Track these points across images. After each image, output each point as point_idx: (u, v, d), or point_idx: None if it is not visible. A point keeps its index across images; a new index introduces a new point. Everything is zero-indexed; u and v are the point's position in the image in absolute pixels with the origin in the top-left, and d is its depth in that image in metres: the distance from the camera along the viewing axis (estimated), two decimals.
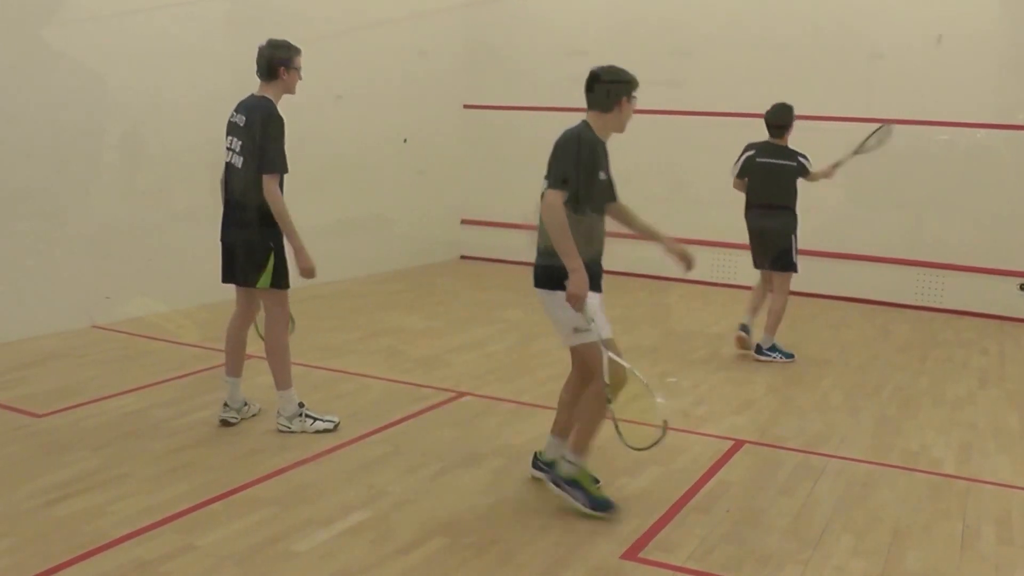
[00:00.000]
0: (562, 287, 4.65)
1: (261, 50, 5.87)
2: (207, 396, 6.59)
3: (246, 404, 6.19)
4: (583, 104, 4.94)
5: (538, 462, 5.26)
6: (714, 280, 11.14)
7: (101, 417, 6.13)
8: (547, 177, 4.73)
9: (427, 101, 12.15)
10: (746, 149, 8.17)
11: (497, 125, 12.67)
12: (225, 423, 6.02)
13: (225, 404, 6.10)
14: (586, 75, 4.96)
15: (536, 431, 6.06)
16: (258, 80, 5.98)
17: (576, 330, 4.76)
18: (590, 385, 4.85)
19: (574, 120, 4.93)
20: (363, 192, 11.28)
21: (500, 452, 5.70)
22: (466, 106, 12.78)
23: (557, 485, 4.94)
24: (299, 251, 5.76)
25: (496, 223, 12.60)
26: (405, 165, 11.82)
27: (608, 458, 5.46)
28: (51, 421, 6.05)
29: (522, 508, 4.92)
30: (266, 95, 5.85)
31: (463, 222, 13.01)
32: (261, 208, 5.74)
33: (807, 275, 10.86)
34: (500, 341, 8.35)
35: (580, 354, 4.89)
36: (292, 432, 5.88)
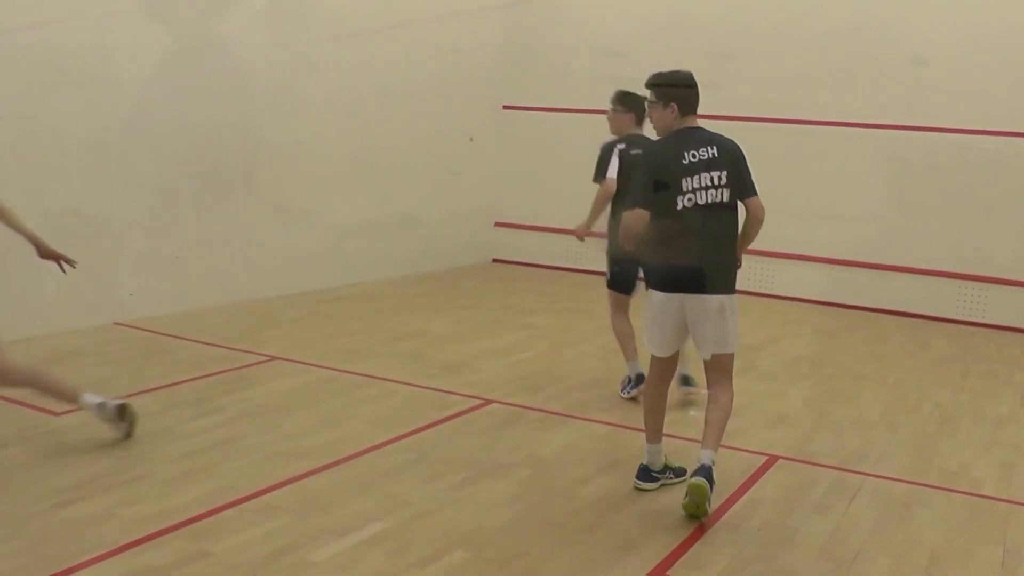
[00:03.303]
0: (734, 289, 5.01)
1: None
2: (225, 398, 6.49)
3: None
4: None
5: (652, 473, 5.25)
6: (750, 289, 10.94)
7: None
8: (747, 188, 5.00)
9: (464, 101, 12.02)
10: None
11: (534, 126, 12.53)
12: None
13: None
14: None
15: (564, 441, 5.93)
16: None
17: (737, 336, 5.04)
18: (726, 388, 5.07)
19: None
20: (394, 192, 11.17)
21: (526, 463, 5.55)
22: (506, 107, 12.65)
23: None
24: None
25: (530, 226, 12.46)
26: (438, 165, 11.70)
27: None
28: (67, 420, 5.96)
29: (547, 521, 4.78)
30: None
31: (496, 224, 12.86)
32: None
33: (843, 286, 10.72)
34: (529, 348, 8.21)
35: (731, 360, 5.08)
36: None
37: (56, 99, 7.73)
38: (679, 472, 5.27)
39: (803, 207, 10.59)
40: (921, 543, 4.73)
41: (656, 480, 5.22)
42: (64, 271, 5.44)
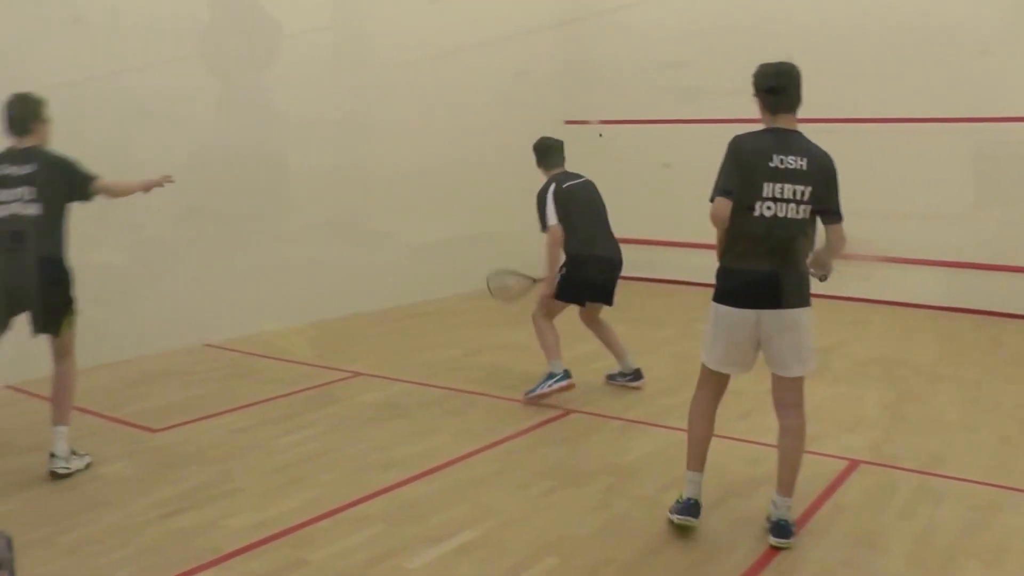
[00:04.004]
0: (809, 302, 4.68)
1: None
2: (314, 413, 6.62)
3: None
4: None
5: (692, 506, 4.77)
6: (813, 291, 10.79)
7: (212, 433, 6.19)
8: (832, 211, 4.63)
9: (528, 117, 12.09)
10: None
11: (598, 140, 12.54)
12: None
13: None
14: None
15: (645, 449, 5.95)
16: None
17: (813, 353, 4.71)
18: (798, 417, 4.72)
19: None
20: (466, 209, 11.27)
21: (609, 470, 5.58)
22: (568, 122, 12.69)
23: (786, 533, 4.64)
24: None
25: None
26: (506, 182, 11.76)
27: (720, 479, 5.31)
28: (165, 437, 6.13)
29: (633, 528, 4.81)
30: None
31: None
32: None
33: (913, 285, 10.55)
34: (605, 357, 8.21)
35: (801, 383, 4.72)
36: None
37: (138, 137, 7.92)
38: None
39: (867, 206, 10.39)
40: (1012, 549, 4.65)
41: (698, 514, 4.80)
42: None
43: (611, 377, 7.49)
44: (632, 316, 10.18)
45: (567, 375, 6.93)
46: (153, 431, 6.23)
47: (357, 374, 7.64)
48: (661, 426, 6.41)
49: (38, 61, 7.19)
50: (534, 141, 7.39)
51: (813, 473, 5.52)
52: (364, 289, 10.05)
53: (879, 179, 10.59)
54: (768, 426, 6.24)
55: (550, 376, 6.93)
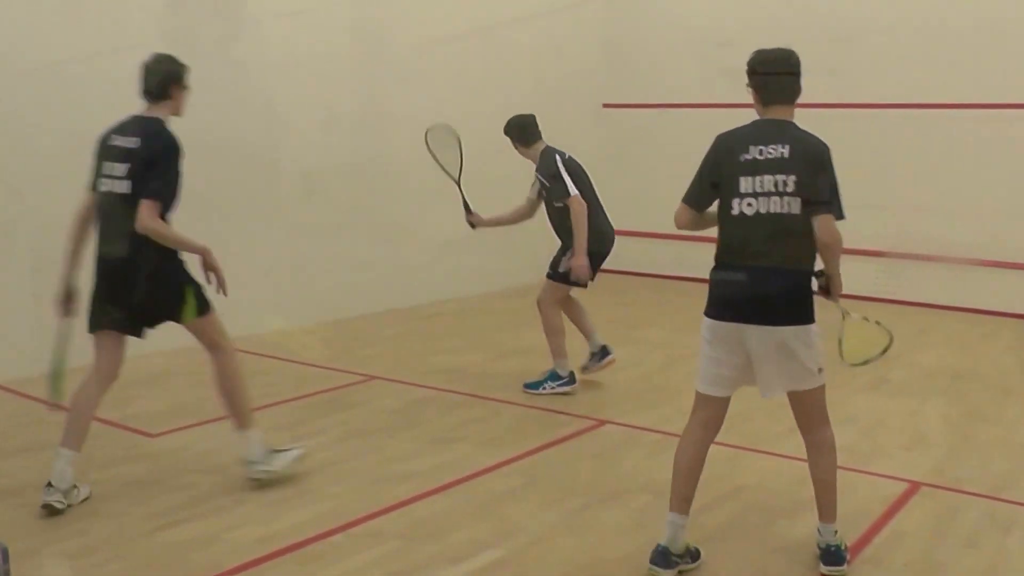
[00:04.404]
0: (813, 318, 4.36)
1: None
2: (325, 419, 6.61)
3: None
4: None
5: (672, 558, 4.45)
6: (873, 295, 10.69)
7: (215, 439, 6.17)
8: (818, 200, 4.30)
9: (563, 101, 12.04)
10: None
11: (638, 125, 12.49)
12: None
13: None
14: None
15: None
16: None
17: (821, 369, 4.42)
18: (822, 432, 4.56)
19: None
20: (494, 203, 11.20)
21: (645, 488, 5.52)
22: (606, 105, 12.63)
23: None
24: None
25: (638, 232, 12.26)
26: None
27: (766, 501, 5.28)
28: (163, 442, 6.13)
29: None
30: None
31: None
32: None
33: (980, 288, 10.41)
34: (642, 363, 8.18)
35: (816, 398, 4.49)
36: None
37: None
38: (696, 555, 4.57)
39: (930, 201, 10.34)
40: None
41: (675, 566, 4.43)
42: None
43: (585, 369, 7.58)
44: (672, 319, 10.12)
45: (573, 379, 7.25)
46: (151, 436, 6.23)
47: (372, 378, 7.62)
48: None
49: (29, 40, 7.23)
50: (509, 121, 7.70)
51: (870, 496, 5.46)
52: (381, 287, 10.03)
53: (938, 171, 10.46)
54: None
55: (555, 377, 7.18)
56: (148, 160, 5.09)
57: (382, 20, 9.93)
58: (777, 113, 4.45)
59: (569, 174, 7.12)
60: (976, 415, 7.10)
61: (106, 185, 5.14)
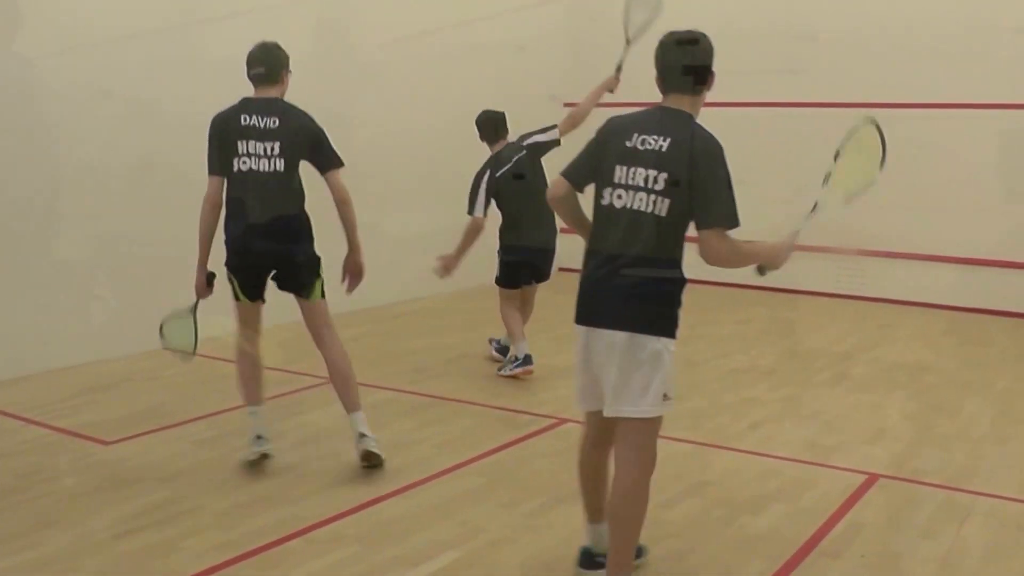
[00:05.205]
0: (671, 333, 3.93)
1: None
2: (286, 423, 6.60)
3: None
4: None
5: (596, 558, 4.39)
6: (838, 292, 10.81)
7: (172, 445, 6.18)
8: (706, 211, 3.84)
9: (525, 99, 12.06)
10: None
11: (599, 124, 12.49)
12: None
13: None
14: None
15: None
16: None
17: (666, 396, 3.97)
18: (629, 471, 4.01)
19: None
20: (456, 201, 11.23)
21: None
22: (567, 104, 12.65)
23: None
24: None
25: None
26: None
27: (729, 497, 5.34)
28: (119, 449, 6.11)
29: None
30: None
31: (562, 231, 12.84)
32: None
33: (939, 285, 10.54)
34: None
35: (651, 428, 4.05)
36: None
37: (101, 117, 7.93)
38: (638, 552, 4.38)
39: (893, 199, 10.43)
40: None
41: (603, 566, 4.21)
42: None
43: (495, 343, 8.38)
44: None
45: (528, 360, 7.70)
46: (106, 443, 6.20)
47: (330, 381, 7.59)
48: (662, 437, 6.35)
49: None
50: (480, 116, 8.53)
51: (829, 488, 5.54)
52: (339, 287, 9.97)
53: (900, 169, 10.51)
54: (783, 438, 6.28)
55: (513, 359, 7.78)
56: (312, 139, 5.84)
57: (343, 20, 9.92)
58: (675, 101, 4.08)
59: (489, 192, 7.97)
60: (935, 408, 7.20)
61: (249, 163, 5.64)
